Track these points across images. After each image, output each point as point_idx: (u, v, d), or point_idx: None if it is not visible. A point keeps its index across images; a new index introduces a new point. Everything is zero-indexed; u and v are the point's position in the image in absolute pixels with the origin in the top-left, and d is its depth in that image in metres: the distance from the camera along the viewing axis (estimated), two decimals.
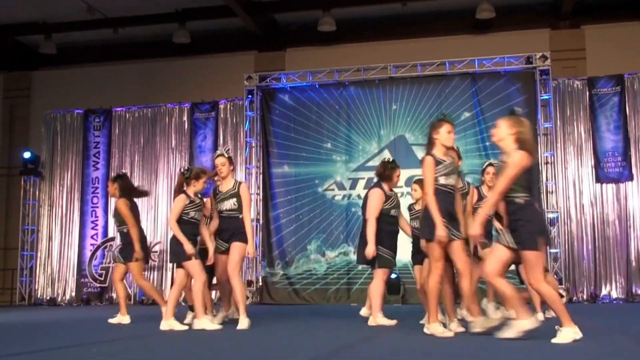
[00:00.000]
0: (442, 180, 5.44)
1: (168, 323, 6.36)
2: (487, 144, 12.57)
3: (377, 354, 4.31)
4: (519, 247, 4.75)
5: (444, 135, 5.51)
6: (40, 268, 14.51)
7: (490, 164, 7.64)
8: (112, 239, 14.15)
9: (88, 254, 14.31)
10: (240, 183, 6.86)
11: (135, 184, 14.34)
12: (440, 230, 5.21)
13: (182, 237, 6.37)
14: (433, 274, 5.29)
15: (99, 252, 14.24)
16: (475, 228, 5.04)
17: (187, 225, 6.55)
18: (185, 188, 6.73)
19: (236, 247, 6.57)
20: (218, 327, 6.34)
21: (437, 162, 5.46)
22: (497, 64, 12.68)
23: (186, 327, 6.39)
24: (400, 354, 4.21)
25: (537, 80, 12.45)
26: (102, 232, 14.34)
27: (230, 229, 6.67)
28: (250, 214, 6.66)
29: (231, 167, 6.81)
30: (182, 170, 7.07)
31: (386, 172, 6.94)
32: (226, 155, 6.82)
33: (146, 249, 7.65)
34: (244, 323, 6.31)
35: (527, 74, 12.63)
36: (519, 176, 4.82)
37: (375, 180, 7.25)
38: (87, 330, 6.83)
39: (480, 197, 7.30)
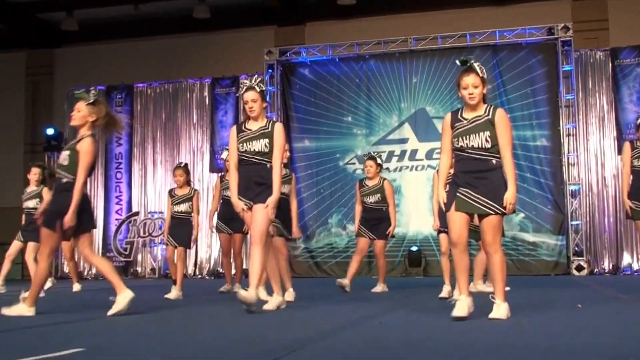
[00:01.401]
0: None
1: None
2: (509, 116, 12.50)
3: (399, 322, 4.39)
4: None
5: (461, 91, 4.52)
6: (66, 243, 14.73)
7: None
8: (137, 213, 14.36)
9: (113, 228, 14.52)
10: (275, 122, 5.51)
11: (158, 159, 14.55)
12: None
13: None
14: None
15: (123, 227, 14.44)
16: None
17: None
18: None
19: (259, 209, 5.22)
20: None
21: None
22: (518, 36, 12.59)
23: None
24: (422, 326, 4.28)
25: (559, 52, 12.35)
26: (126, 207, 14.53)
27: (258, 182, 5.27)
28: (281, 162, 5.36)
29: (264, 105, 5.51)
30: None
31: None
32: (257, 90, 5.46)
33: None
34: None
35: (548, 46, 12.53)
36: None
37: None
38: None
39: None
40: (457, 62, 4.59)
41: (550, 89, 12.43)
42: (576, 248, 11.96)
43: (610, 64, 12.59)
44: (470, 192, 4.35)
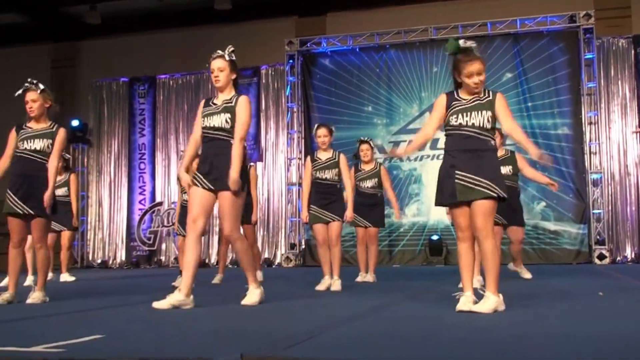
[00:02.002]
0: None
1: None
2: (530, 104, 12.52)
3: (418, 311, 4.43)
4: None
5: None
6: (92, 232, 15.01)
7: None
8: (160, 203, 14.55)
9: (136, 218, 14.73)
10: (240, 95, 5.11)
11: (181, 149, 14.70)
12: None
13: None
14: None
15: (146, 217, 14.64)
16: None
17: None
18: None
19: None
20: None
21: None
22: (539, 24, 12.54)
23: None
24: (441, 312, 4.33)
25: (581, 40, 12.28)
26: (150, 197, 14.73)
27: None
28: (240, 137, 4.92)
29: (232, 76, 5.16)
30: None
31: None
32: (227, 58, 5.25)
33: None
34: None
35: (570, 33, 12.46)
36: None
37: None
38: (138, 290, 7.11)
39: None
40: (450, 46, 4.26)
41: (571, 77, 12.38)
42: (598, 237, 11.93)
43: (632, 52, 12.50)
44: (467, 175, 4.09)
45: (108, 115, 15.31)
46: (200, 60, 14.76)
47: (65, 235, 9.08)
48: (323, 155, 6.67)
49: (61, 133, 5.56)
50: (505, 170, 7.07)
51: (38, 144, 5.42)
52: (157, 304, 4.58)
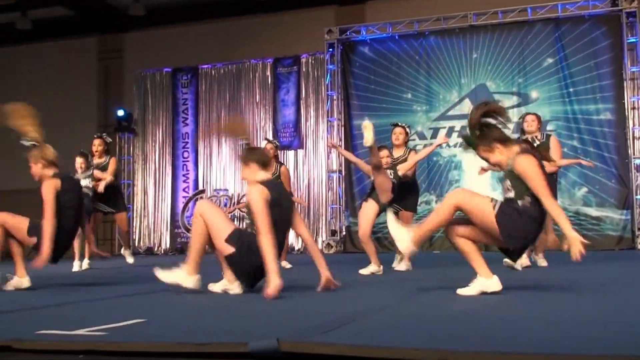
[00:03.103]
0: None
1: None
2: (571, 89, 12.40)
3: (457, 299, 4.49)
4: None
5: None
6: (137, 220, 15.38)
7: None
8: (203, 191, 14.85)
9: (180, 206, 15.04)
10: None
11: (223, 138, 14.95)
12: None
13: None
14: None
15: (190, 204, 14.95)
16: None
17: None
18: None
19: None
20: None
21: None
22: (581, 8, 12.38)
23: None
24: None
25: (624, 23, 12.08)
26: (193, 185, 15.03)
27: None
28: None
29: None
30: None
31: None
32: None
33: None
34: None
35: (612, 17, 12.28)
36: None
37: None
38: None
39: None
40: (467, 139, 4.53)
41: (614, 62, 12.21)
42: None
43: None
44: None
45: (152, 105, 15.63)
46: (241, 49, 15.13)
47: (120, 217, 9.34)
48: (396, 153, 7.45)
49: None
50: None
51: None
52: (211, 287, 4.87)
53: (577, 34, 12.41)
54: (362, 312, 3.65)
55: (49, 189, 5.41)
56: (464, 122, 12.82)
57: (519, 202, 4.23)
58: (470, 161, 12.74)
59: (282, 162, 8.25)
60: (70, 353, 2.65)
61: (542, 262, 7.48)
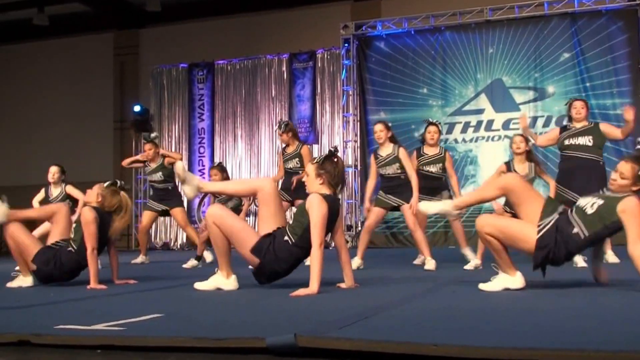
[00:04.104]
0: None
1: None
2: (588, 84, 12.31)
3: (474, 290, 4.48)
4: None
5: None
6: None
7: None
8: None
9: (196, 201, 15.06)
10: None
11: (239, 133, 14.99)
12: None
13: None
14: None
15: (206, 200, 14.95)
16: None
17: None
18: None
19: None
20: None
21: None
22: (597, 2, 12.27)
23: None
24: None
25: None
26: (209, 180, 15.05)
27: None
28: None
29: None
30: None
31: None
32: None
33: None
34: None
35: (629, 12, 12.16)
36: None
37: None
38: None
39: None
40: None
41: (631, 56, 12.10)
42: None
43: None
44: None
45: (168, 100, 15.69)
46: (256, 45, 15.15)
47: (176, 213, 9.39)
48: (384, 152, 7.13)
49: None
50: (585, 140, 7.05)
51: None
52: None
53: (594, 28, 12.31)
54: (379, 307, 3.66)
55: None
56: (481, 117, 12.85)
57: (575, 231, 4.21)
58: (486, 157, 12.73)
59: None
60: (89, 348, 2.67)
61: (613, 258, 7.03)
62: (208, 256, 8.69)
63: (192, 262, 8.09)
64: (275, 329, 2.76)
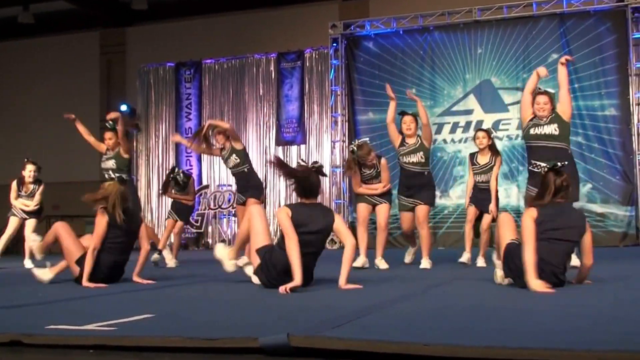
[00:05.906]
0: None
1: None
2: (577, 85, 12.34)
3: (467, 289, 4.49)
4: None
5: None
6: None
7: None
8: (207, 186, 14.82)
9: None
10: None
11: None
12: None
13: None
14: None
15: (195, 200, 14.89)
16: None
17: None
18: None
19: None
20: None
21: None
22: (586, 3, 12.32)
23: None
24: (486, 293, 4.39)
25: (629, 19, 12.03)
26: (197, 181, 14.97)
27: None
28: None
29: None
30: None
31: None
32: None
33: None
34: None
35: (618, 13, 12.23)
36: None
37: None
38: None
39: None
40: None
41: (619, 57, 12.16)
42: None
43: None
44: None
45: (155, 99, 15.61)
46: (244, 44, 15.10)
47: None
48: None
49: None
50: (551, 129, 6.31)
51: None
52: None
53: (582, 29, 12.36)
54: (371, 307, 3.66)
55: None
56: (469, 118, 12.86)
57: None
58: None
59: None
60: (80, 348, 2.64)
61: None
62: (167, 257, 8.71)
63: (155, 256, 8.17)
64: (268, 328, 2.74)
